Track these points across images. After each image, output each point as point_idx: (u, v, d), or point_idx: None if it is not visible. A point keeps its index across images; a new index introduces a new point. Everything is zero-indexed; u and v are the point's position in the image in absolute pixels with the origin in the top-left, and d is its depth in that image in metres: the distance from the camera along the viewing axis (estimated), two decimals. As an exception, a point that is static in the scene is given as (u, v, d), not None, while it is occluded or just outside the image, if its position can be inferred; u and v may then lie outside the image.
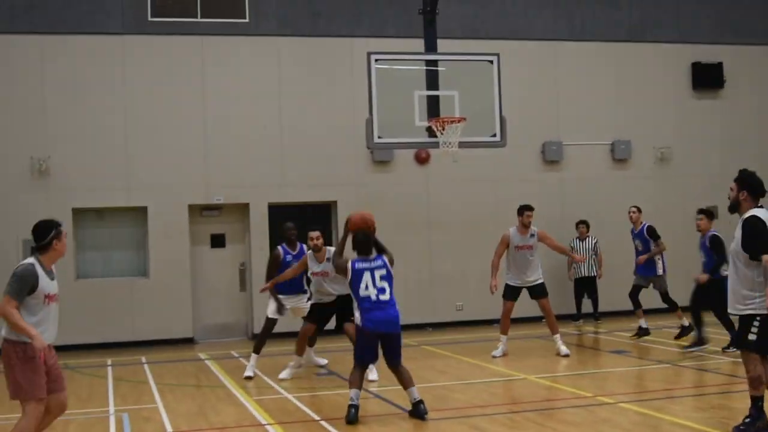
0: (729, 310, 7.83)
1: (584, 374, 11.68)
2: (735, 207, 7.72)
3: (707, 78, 18.89)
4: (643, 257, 14.14)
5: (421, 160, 17.17)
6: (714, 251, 12.38)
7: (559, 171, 18.11)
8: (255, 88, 16.71)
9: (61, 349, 8.13)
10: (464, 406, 9.76)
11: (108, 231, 16.49)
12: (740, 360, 8.03)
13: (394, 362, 9.21)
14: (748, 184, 7.64)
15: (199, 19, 16.58)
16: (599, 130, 18.33)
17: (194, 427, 9.08)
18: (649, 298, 14.76)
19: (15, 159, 15.69)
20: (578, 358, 13.03)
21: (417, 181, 17.25)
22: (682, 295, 13.87)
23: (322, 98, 16.93)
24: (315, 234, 11.49)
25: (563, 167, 18.13)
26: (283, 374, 11.74)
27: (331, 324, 11.78)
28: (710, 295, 12.15)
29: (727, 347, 12.37)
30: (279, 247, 12.21)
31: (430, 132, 13.57)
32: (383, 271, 9.17)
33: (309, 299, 12.07)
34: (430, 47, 13.84)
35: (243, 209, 16.83)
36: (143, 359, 14.24)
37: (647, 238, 14.17)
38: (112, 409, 10.22)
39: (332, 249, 11.10)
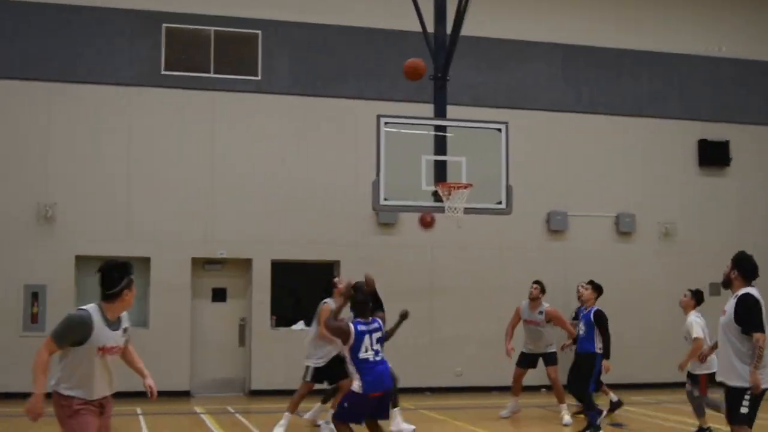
0: (718, 378, 8.05)
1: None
2: (727, 284, 8.07)
3: (714, 155, 19.02)
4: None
5: (426, 224, 17.16)
6: (597, 326, 11.91)
7: (564, 241, 18.13)
8: (263, 144, 16.84)
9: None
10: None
11: (109, 280, 16.41)
12: None
13: (384, 415, 9.21)
14: (741, 267, 7.99)
15: (212, 75, 16.77)
16: (604, 202, 18.41)
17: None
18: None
19: (21, 204, 15.72)
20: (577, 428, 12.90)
21: (420, 244, 17.24)
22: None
23: (328, 157, 17.04)
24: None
25: (568, 237, 18.16)
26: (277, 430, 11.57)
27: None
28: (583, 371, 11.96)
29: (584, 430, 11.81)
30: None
31: (436, 196, 13.62)
32: (379, 334, 9.24)
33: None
34: (440, 112, 13.95)
35: (246, 264, 16.82)
36: (138, 410, 14.11)
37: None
38: (104, 460, 10.10)
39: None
